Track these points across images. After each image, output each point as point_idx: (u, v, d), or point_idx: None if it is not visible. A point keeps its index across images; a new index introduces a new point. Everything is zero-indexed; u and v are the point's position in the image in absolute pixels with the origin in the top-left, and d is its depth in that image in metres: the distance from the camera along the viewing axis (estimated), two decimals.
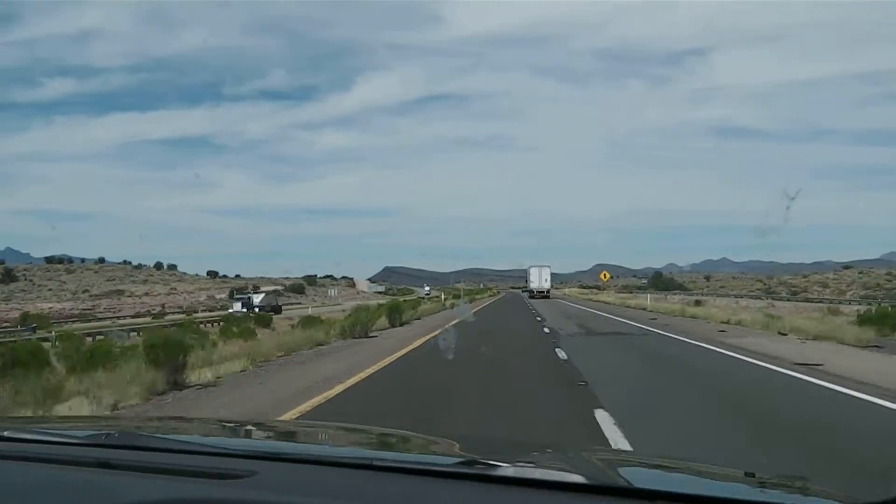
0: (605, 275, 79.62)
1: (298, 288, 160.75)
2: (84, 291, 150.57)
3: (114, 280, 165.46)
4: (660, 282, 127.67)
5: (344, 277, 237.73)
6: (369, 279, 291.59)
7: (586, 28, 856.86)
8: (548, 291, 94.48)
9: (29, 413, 9.59)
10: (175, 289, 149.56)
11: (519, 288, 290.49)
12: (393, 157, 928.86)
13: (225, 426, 3.42)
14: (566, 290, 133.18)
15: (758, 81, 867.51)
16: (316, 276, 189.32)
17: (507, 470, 1.87)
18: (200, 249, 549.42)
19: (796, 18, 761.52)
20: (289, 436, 3.09)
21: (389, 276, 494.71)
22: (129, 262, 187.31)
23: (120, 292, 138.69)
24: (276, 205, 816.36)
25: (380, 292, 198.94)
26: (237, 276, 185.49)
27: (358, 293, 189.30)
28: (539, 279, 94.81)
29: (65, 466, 1.98)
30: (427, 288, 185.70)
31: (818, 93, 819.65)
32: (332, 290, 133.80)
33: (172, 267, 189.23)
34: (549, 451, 2.68)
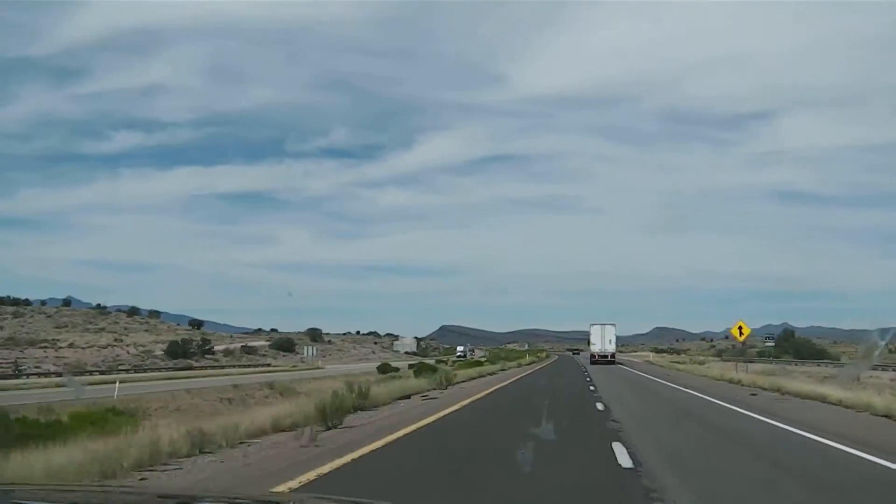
0: (741, 328, 39.58)
1: (286, 344, 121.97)
2: (9, 339, 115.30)
3: (64, 327, 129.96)
4: (790, 344, 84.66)
5: (388, 335, 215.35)
6: (419, 338, 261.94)
7: (650, 90, 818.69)
8: (612, 356, 76.01)
9: None
10: (121, 339, 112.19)
11: (573, 350, 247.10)
12: (454, 216, 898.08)
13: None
14: (651, 356, 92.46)
15: (822, 145, 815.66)
16: (321, 330, 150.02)
17: None
18: (253, 304, 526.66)
19: (861, 81, 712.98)
20: None
21: (446, 335, 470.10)
22: (103, 307, 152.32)
23: (33, 342, 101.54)
24: (336, 261, 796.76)
25: (411, 353, 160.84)
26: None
27: (371, 353, 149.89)
28: (602, 341, 75.80)
29: None
30: (461, 349, 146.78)
31: (883, 157, 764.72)
32: (310, 350, 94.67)
33: (155, 314, 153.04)
34: None
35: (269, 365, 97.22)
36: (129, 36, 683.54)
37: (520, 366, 69.70)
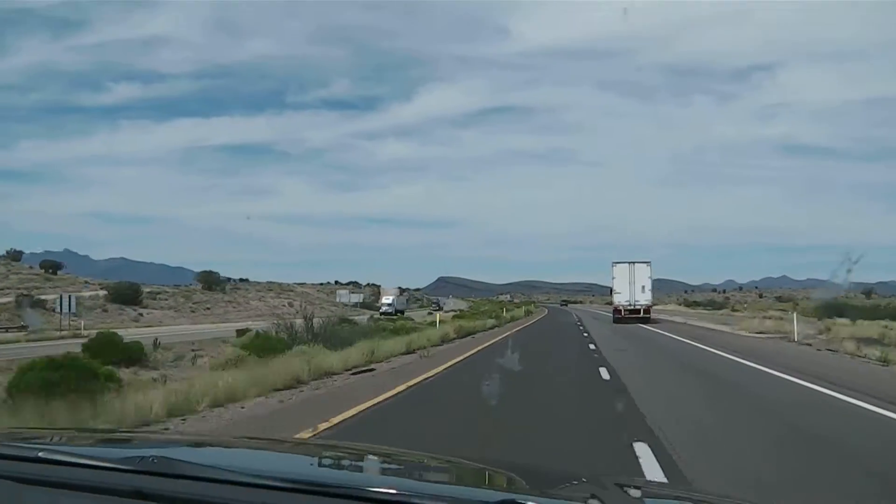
0: None
1: (128, 295, 77.34)
2: None
3: None
4: None
5: (369, 284, 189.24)
6: (404, 288, 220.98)
7: (652, 42, 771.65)
8: (647, 310, 49.47)
9: None
10: None
11: (563, 303, 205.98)
12: (454, 169, 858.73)
13: (267, 449, 2.91)
14: (726, 319, 52.26)
15: (826, 98, 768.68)
16: (218, 274, 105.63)
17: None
18: (251, 256, 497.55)
19: (865, 35, 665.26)
20: (334, 463, 2.61)
21: (443, 287, 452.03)
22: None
23: None
24: (336, 213, 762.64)
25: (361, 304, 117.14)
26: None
27: (289, 305, 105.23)
28: (631, 287, 49.43)
29: (96, 495, 1.80)
30: (387, 300, 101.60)
31: (888, 111, 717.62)
32: (66, 300, 48.99)
33: (16, 255, 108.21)
34: (584, 481, 2.42)
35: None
36: None
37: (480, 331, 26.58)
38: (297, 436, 8.12)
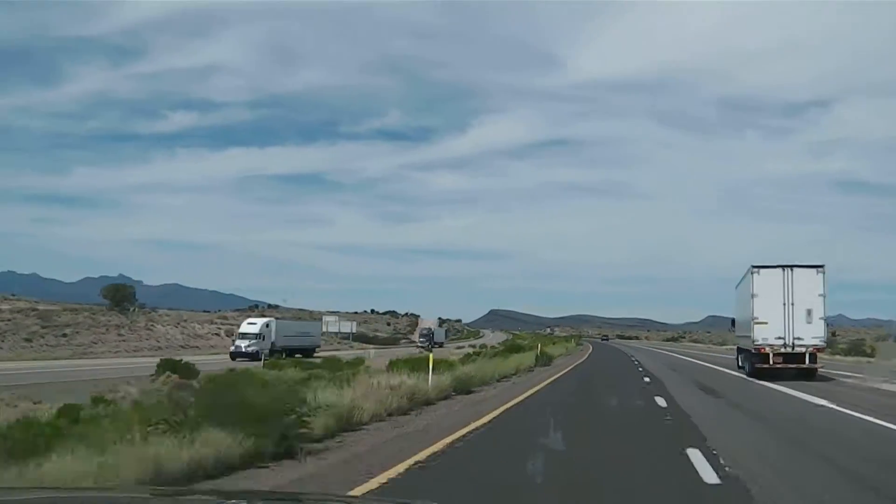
0: None
1: None
2: None
3: None
4: None
5: (407, 314, 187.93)
6: (444, 319, 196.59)
7: (706, 76, 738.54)
8: (814, 354, 26.70)
9: None
10: None
11: (625, 338, 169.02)
12: (507, 200, 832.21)
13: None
14: None
15: (882, 135, 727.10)
16: (132, 288, 76.79)
17: None
18: (300, 283, 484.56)
19: None
20: None
21: (494, 319, 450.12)
22: None
23: None
24: (388, 244, 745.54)
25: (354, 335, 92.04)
26: None
27: (215, 335, 74.57)
28: (785, 311, 26.53)
29: None
30: (255, 326, 60.41)
31: None
32: None
33: None
34: None
35: None
36: (186, 16, 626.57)
37: None
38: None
